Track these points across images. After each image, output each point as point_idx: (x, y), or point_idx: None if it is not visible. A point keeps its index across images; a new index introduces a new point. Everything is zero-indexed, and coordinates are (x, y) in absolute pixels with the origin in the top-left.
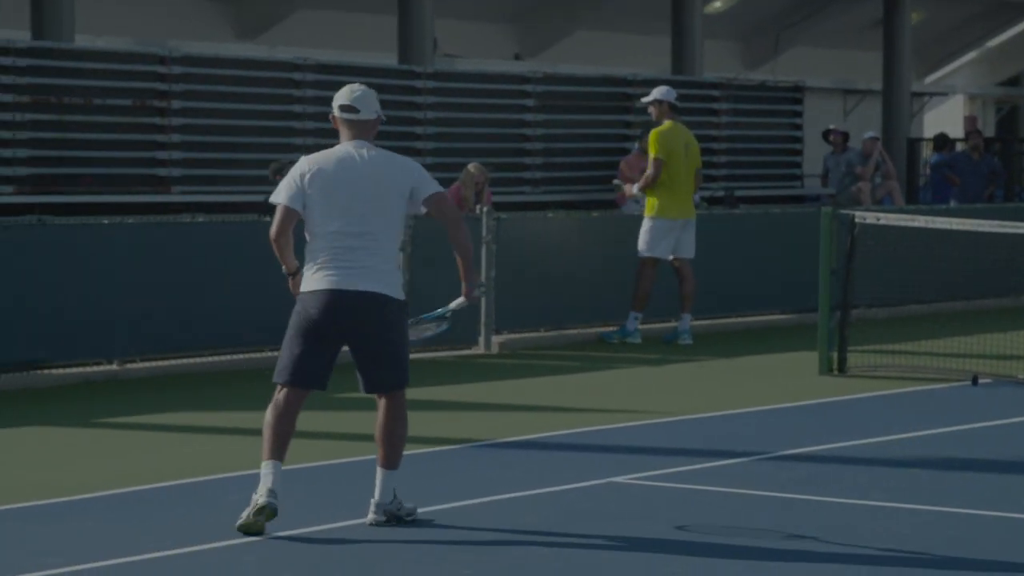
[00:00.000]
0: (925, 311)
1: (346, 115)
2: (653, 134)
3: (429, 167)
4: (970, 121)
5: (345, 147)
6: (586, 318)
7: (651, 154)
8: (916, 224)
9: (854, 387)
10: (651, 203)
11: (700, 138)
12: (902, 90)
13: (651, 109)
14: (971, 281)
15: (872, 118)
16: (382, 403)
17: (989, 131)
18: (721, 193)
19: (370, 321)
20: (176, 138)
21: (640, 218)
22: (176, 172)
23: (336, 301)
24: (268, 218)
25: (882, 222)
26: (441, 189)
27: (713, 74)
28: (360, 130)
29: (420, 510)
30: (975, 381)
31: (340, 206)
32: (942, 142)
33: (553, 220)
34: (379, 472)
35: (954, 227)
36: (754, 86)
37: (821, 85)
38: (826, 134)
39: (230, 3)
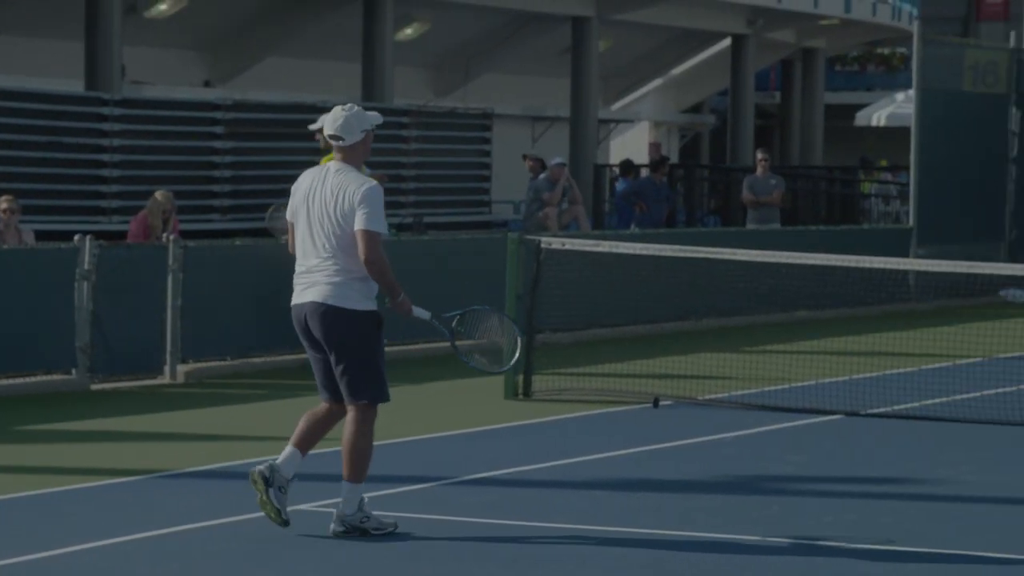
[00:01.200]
0: (609, 335)
1: (333, 142)
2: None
3: (116, 195)
4: (654, 147)
5: (326, 167)
6: (274, 346)
7: None
8: (600, 249)
9: (539, 411)
10: None
11: (390, 165)
12: (589, 117)
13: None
14: (653, 304)
15: (560, 144)
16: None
17: (673, 157)
18: (410, 220)
19: (317, 330)
20: None
21: None
22: None
23: (295, 314)
24: None
25: (567, 247)
26: (370, 228)
27: (403, 101)
28: (345, 154)
29: (98, 543)
30: (656, 403)
31: (303, 224)
32: (627, 168)
33: (241, 248)
34: (343, 484)
35: (637, 252)
36: (444, 113)
37: (510, 112)
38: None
39: None
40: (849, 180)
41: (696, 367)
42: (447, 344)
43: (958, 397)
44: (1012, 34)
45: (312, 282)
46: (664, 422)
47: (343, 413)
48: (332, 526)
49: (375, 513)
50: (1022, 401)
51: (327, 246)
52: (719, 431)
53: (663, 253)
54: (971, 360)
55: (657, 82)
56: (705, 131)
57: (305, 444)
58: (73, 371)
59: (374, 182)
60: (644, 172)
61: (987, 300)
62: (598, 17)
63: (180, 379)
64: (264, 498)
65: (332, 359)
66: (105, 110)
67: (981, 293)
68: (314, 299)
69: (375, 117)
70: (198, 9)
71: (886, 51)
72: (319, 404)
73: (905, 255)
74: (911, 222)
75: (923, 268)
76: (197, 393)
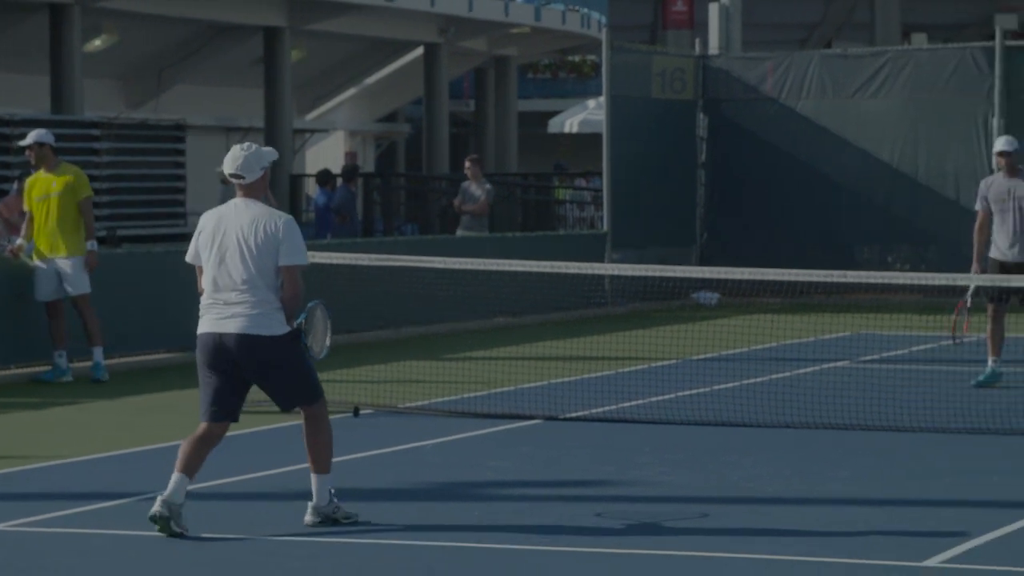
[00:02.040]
0: None
1: (234, 180)
2: (79, 175)
3: None
4: (351, 157)
5: (231, 204)
6: None
7: (85, 194)
8: None
9: (251, 421)
10: (81, 240)
11: None
12: (284, 127)
13: (29, 152)
14: (353, 314)
15: None
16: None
17: (369, 166)
18: (103, 233)
19: (243, 358)
20: None
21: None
22: None
23: (209, 340)
24: None
25: None
26: (296, 263)
27: (94, 113)
28: (247, 191)
29: None
30: (356, 412)
31: (214, 258)
32: (325, 178)
33: None
34: (312, 477)
35: (333, 261)
36: (136, 125)
37: (204, 123)
38: None
39: None
40: (544, 187)
41: (397, 375)
42: (144, 356)
43: (654, 399)
44: (697, 41)
45: (232, 313)
46: (365, 431)
47: (222, 434)
48: (307, 517)
49: (336, 505)
50: (715, 402)
51: (246, 277)
52: (420, 438)
53: (359, 262)
54: (666, 362)
55: (351, 91)
56: (401, 140)
57: (192, 468)
58: None
59: (289, 215)
60: (340, 182)
61: (680, 303)
62: (290, 27)
63: None
64: (169, 534)
65: (268, 383)
66: None
67: (674, 296)
68: (239, 331)
69: (271, 154)
70: None
71: (577, 59)
72: (198, 427)
73: (600, 260)
74: (605, 227)
75: (618, 272)
76: None
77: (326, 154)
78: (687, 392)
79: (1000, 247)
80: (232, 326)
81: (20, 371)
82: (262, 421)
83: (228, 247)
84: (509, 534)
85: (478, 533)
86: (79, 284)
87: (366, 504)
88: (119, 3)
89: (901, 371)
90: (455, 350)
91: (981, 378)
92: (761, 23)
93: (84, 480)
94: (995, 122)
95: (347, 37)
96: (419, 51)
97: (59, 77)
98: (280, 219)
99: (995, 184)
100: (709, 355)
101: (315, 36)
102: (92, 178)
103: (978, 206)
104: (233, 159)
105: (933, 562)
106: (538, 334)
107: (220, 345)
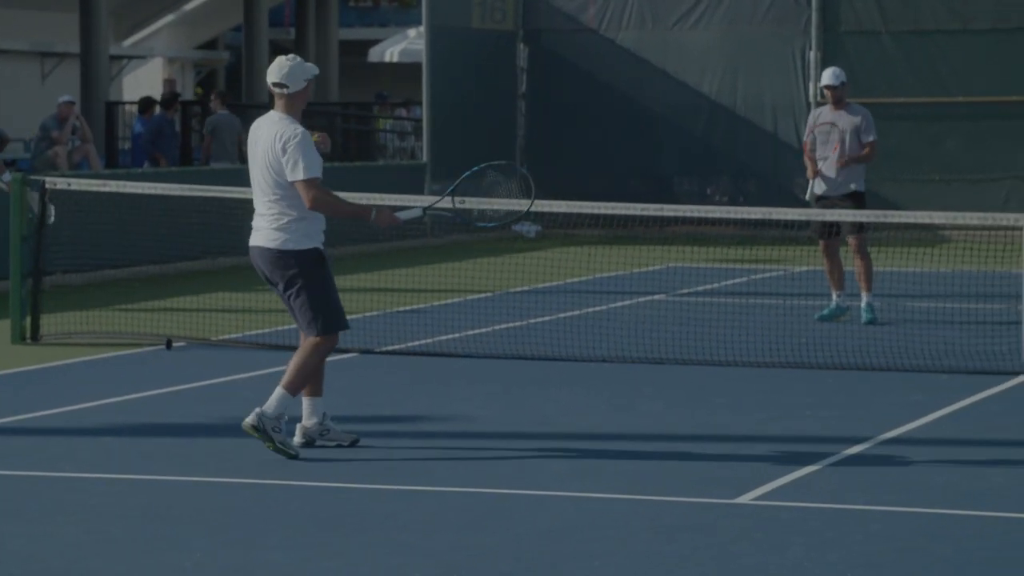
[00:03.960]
0: (120, 276)
1: (276, 90)
2: None
3: None
4: (169, 84)
5: (267, 115)
6: None
7: None
8: (108, 189)
9: (49, 355)
10: None
11: None
12: (100, 53)
13: None
14: (166, 245)
15: (71, 81)
16: None
17: (188, 94)
18: None
19: (266, 271)
20: None
21: None
22: None
23: (251, 255)
24: None
25: (74, 187)
26: (304, 177)
27: None
28: (286, 102)
29: None
30: (169, 345)
31: (252, 170)
32: (147, 106)
33: None
34: (277, 389)
35: (145, 191)
36: None
37: (17, 48)
38: None
39: None
40: (365, 116)
41: (210, 306)
42: None
43: (470, 332)
44: None
45: (258, 227)
46: (177, 364)
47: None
48: (248, 419)
49: (284, 433)
50: (532, 335)
51: (268, 191)
52: (234, 372)
53: (171, 192)
54: (483, 295)
55: (169, 17)
56: (221, 67)
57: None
58: None
59: (301, 129)
60: (158, 109)
61: (499, 235)
62: None
63: None
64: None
65: (286, 301)
66: None
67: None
68: (259, 243)
69: (313, 68)
70: None
71: None
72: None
73: (420, 191)
74: (425, 158)
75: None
76: None
77: (144, 81)
78: (504, 325)
79: (820, 181)
80: (258, 239)
81: None
82: (76, 353)
83: (257, 160)
84: (323, 471)
85: (292, 470)
86: None
87: (178, 440)
88: None
89: (716, 304)
90: None
91: (824, 312)
92: None
93: None
94: (812, 55)
95: None
96: None
97: None
98: (291, 135)
99: (822, 115)
100: (526, 288)
101: None
102: None
103: (806, 136)
104: (278, 67)
105: (745, 499)
106: (354, 266)
107: (254, 259)
